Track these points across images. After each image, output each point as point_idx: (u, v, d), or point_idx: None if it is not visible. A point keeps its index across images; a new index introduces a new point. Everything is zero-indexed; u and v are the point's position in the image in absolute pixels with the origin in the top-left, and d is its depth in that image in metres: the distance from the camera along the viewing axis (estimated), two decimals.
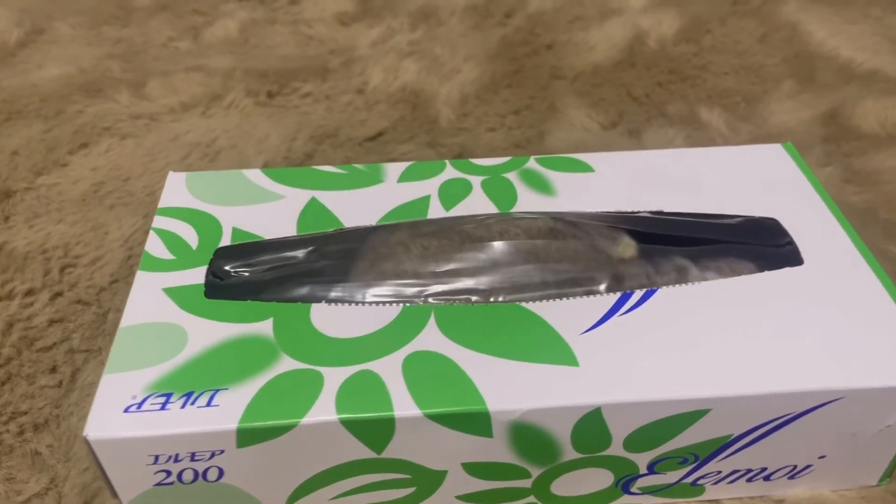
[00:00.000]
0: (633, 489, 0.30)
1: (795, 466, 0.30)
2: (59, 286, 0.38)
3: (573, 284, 0.30)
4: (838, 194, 0.44)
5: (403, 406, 0.26)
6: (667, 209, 0.34)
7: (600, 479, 0.29)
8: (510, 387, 0.27)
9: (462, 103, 0.51)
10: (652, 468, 0.29)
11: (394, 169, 0.36)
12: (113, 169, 0.44)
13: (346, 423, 0.26)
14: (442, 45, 0.56)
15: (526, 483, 0.29)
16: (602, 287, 0.30)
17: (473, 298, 0.30)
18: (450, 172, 0.36)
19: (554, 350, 0.28)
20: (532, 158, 0.36)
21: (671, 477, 0.29)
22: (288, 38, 0.56)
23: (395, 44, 0.56)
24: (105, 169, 0.44)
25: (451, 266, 0.31)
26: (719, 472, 0.30)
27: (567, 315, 0.29)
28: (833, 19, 0.60)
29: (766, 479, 0.30)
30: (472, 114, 0.50)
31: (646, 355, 0.28)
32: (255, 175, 0.35)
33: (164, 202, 0.34)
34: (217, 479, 0.27)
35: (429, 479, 0.28)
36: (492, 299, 0.30)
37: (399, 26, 0.57)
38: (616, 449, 0.28)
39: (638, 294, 0.30)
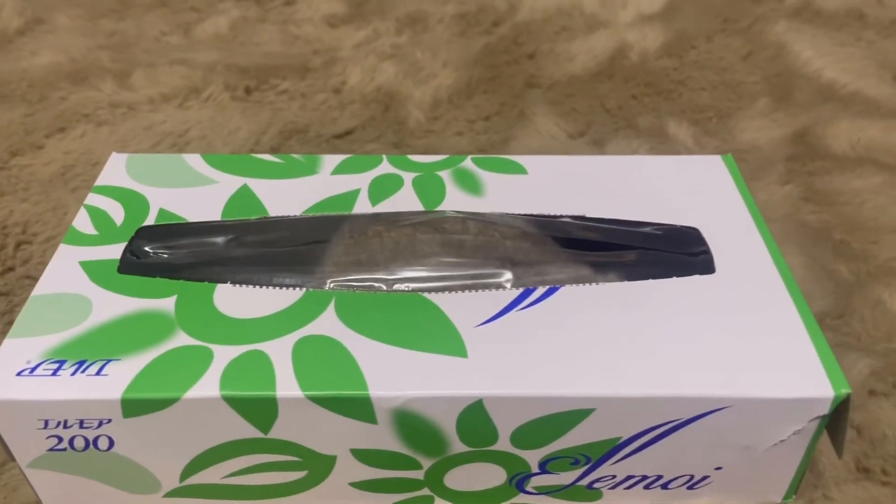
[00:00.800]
0: (528, 488, 0.30)
1: (693, 476, 0.29)
2: (12, 261, 0.38)
3: (477, 279, 0.30)
4: (794, 212, 0.43)
5: (286, 387, 0.26)
6: (591, 214, 0.34)
7: (493, 475, 0.29)
8: (396, 374, 0.27)
9: (434, 107, 0.51)
10: (544, 467, 0.29)
11: (330, 161, 0.36)
12: (84, 153, 0.45)
13: (229, 400, 0.26)
14: (424, 50, 0.56)
15: (418, 474, 0.29)
16: (505, 283, 0.30)
17: (376, 286, 0.30)
18: (384, 168, 0.36)
19: (445, 340, 0.28)
20: (468, 158, 0.36)
21: (565, 478, 0.29)
22: (275, 37, 0.57)
23: (377, 46, 0.56)
24: (77, 153, 0.45)
25: (361, 256, 0.31)
26: (614, 476, 0.29)
27: (466, 308, 0.29)
28: (823, 41, 0.59)
29: (664, 487, 0.30)
30: (443, 117, 0.50)
31: (536, 351, 0.27)
32: (194, 160, 0.35)
33: (100, 181, 0.34)
34: (108, 449, 0.27)
35: (319, 464, 0.28)
36: (395, 288, 0.30)
37: (385, 30, 0.58)
38: (504, 444, 0.28)
39: (540, 291, 0.30)
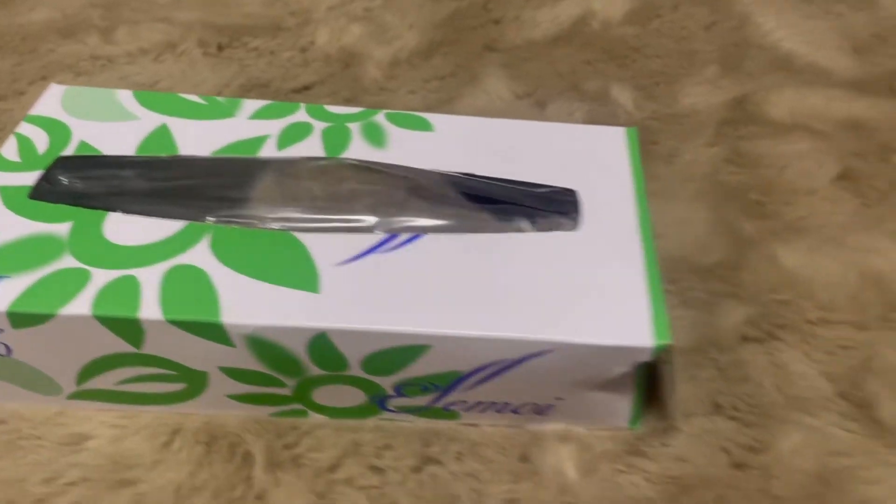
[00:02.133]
0: (390, 406, 0.31)
1: (538, 404, 0.30)
2: None
3: (347, 222, 0.31)
4: (714, 172, 0.44)
5: (149, 310, 0.28)
6: (481, 173, 0.35)
7: (354, 395, 0.31)
8: (249, 304, 0.28)
9: (392, 66, 0.52)
10: (399, 391, 0.30)
11: (251, 106, 0.37)
12: None
13: (99, 319, 0.28)
14: (394, 13, 0.57)
15: (286, 391, 0.31)
16: (373, 227, 0.31)
17: (252, 223, 0.31)
18: (299, 116, 0.37)
19: (302, 276, 0.29)
20: (382, 112, 0.38)
21: (420, 401, 0.31)
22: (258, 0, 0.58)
23: (351, 9, 0.57)
24: None
25: (245, 194, 0.33)
26: (465, 401, 0.30)
27: (331, 248, 0.30)
28: (789, 14, 0.58)
29: (515, 412, 0.31)
30: (400, 77, 0.51)
31: (383, 290, 0.29)
32: (125, 96, 0.37)
33: (33, 110, 0.36)
34: (7, 354, 0.29)
35: (194, 378, 0.30)
36: (268, 226, 0.31)
37: None
38: (356, 370, 0.29)
39: (403, 237, 0.31)
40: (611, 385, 0.29)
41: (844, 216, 0.41)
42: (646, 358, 0.28)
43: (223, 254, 0.30)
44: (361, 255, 0.30)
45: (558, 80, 0.51)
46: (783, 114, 0.48)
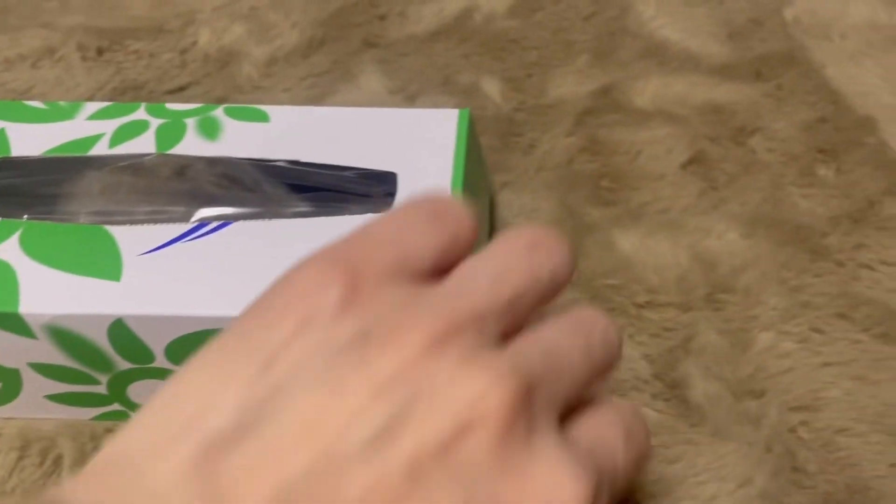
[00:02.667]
0: None
1: None
2: None
3: (161, 213, 0.32)
4: (568, 161, 0.44)
5: None
6: (310, 160, 0.35)
7: None
8: (48, 294, 0.28)
9: (269, 65, 0.52)
10: None
11: (91, 107, 0.38)
12: None
13: None
14: (278, 12, 0.57)
15: (101, 389, 0.31)
16: (185, 216, 0.32)
17: (66, 218, 0.32)
18: (138, 115, 0.37)
19: (105, 265, 0.29)
20: (221, 107, 0.38)
21: None
22: (146, 2, 0.58)
23: (236, 9, 0.57)
24: None
25: (64, 190, 0.33)
26: None
27: (140, 238, 0.31)
28: (671, 2, 0.58)
29: None
30: (275, 75, 0.51)
31: (185, 277, 0.29)
32: None
33: None
34: None
35: (7, 377, 0.30)
36: (81, 220, 0.31)
37: None
38: (162, 361, 0.29)
39: (212, 225, 0.31)
40: None
41: (688, 200, 0.41)
42: None
43: (31, 247, 0.30)
44: (167, 244, 0.30)
45: (433, 75, 0.51)
46: (646, 101, 0.48)
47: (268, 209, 0.32)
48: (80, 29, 0.55)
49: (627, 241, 0.39)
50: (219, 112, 0.37)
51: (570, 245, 0.23)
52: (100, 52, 0.53)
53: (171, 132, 0.36)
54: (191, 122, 0.37)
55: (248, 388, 0.18)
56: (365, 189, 0.33)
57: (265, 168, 0.34)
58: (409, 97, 0.49)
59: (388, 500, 0.17)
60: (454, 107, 0.48)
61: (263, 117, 0.37)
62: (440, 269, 0.21)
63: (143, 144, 0.35)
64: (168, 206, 0.32)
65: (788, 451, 0.31)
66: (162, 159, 0.34)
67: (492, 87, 0.50)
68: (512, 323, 0.20)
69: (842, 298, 0.36)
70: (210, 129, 0.36)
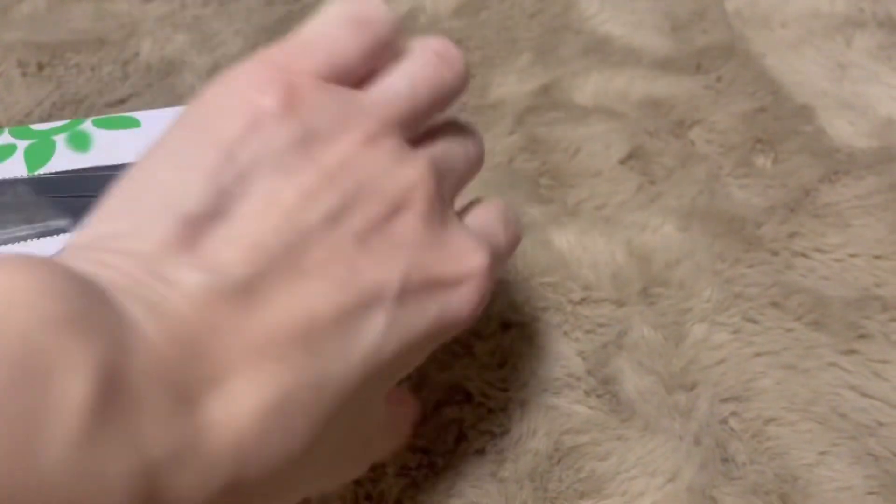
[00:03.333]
0: None
1: None
2: None
3: None
4: (508, 161, 0.44)
5: None
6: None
7: None
8: None
9: (210, 73, 0.52)
10: None
11: None
12: None
13: None
14: (221, 20, 0.56)
15: None
16: None
17: None
18: (3, 139, 0.37)
19: None
20: (89, 120, 0.38)
21: None
22: (88, 15, 0.57)
23: (180, 18, 0.57)
24: None
25: None
26: None
27: None
28: None
29: None
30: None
31: None
32: None
33: None
34: None
35: None
36: None
37: (192, 3, 0.58)
38: None
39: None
40: None
41: (625, 195, 0.41)
42: None
43: None
44: None
45: None
46: (586, 98, 0.48)
47: (34, 228, 0.32)
48: (20, 45, 0.54)
49: (564, 239, 0.39)
50: (87, 125, 0.37)
51: (465, 58, 0.26)
52: (40, 66, 0.53)
53: (41, 151, 0.36)
54: (60, 139, 0.36)
55: (214, 176, 0.20)
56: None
57: (42, 183, 0.34)
58: None
59: (343, 263, 0.20)
60: None
61: (135, 124, 0.37)
62: (366, 71, 0.24)
63: (13, 167, 0.35)
64: None
65: (718, 443, 0.31)
66: None
67: None
68: (422, 122, 0.25)
69: (775, 288, 0.36)
70: (81, 143, 0.36)
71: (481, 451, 0.31)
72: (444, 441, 0.31)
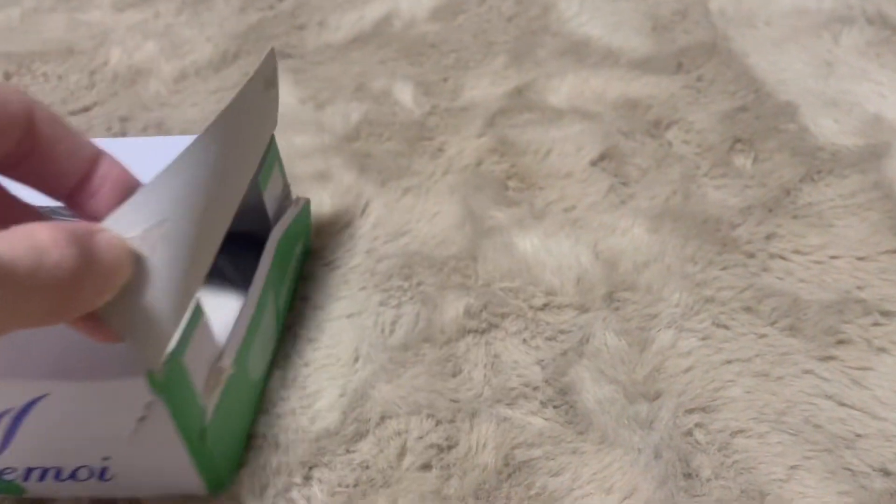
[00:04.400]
0: None
1: (90, 467, 0.27)
2: None
3: None
4: (476, 163, 0.42)
5: None
6: None
7: None
8: None
9: (179, 80, 0.50)
10: None
11: None
12: None
13: None
14: (193, 27, 0.55)
15: None
16: None
17: None
18: None
19: None
20: None
21: None
22: (60, 25, 0.56)
23: (151, 27, 0.55)
24: None
25: None
26: (12, 468, 0.27)
27: None
28: None
29: (73, 478, 0.28)
30: (186, 90, 0.49)
31: None
32: None
33: None
34: None
35: None
36: None
37: (166, 11, 0.57)
38: None
39: None
40: (154, 441, 0.26)
41: (595, 197, 0.39)
42: (148, 397, 0.24)
43: None
44: None
45: (346, 82, 0.49)
46: (561, 99, 0.46)
47: None
48: None
49: (528, 242, 0.36)
50: None
51: None
52: (7, 76, 0.51)
53: None
54: None
55: None
56: None
57: None
58: (318, 105, 0.47)
59: None
60: (364, 113, 0.47)
61: None
62: None
63: None
64: None
65: (681, 457, 0.28)
66: None
67: (404, 93, 0.47)
68: None
69: (749, 291, 0.34)
70: None
71: (426, 467, 0.29)
72: (385, 455, 0.29)
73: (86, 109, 0.48)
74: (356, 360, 0.32)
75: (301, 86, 0.49)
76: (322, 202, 0.40)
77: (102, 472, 0.27)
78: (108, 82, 0.50)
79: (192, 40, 0.54)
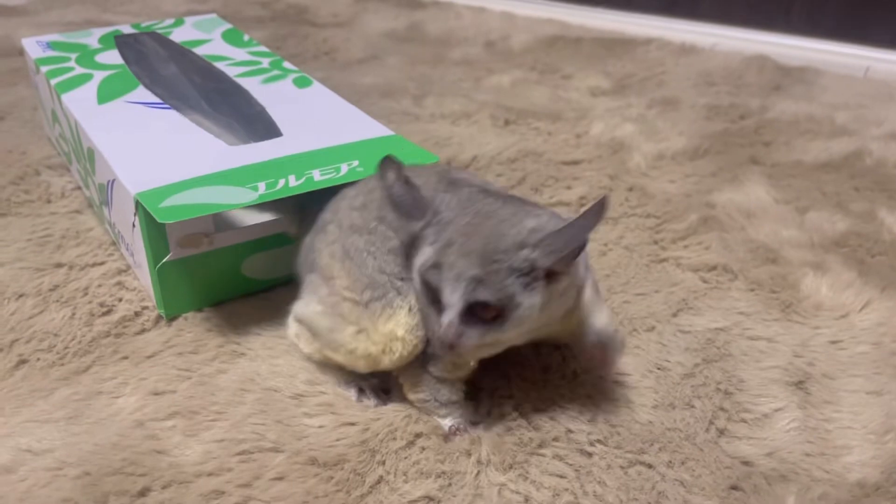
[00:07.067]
0: None
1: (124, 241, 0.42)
2: None
3: None
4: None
5: None
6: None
7: None
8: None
9: (657, 159, 0.53)
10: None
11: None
12: None
13: None
14: (666, 122, 0.58)
15: None
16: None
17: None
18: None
19: None
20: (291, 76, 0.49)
21: None
22: (545, 96, 0.63)
23: (626, 113, 0.60)
24: None
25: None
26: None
27: None
28: None
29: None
30: (662, 167, 0.52)
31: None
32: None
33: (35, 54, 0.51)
34: None
35: None
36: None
37: (637, 104, 0.61)
38: None
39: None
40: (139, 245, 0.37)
41: None
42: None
43: None
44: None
45: (822, 197, 0.49)
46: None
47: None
48: (491, 105, 0.60)
49: None
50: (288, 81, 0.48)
51: None
52: (507, 122, 0.58)
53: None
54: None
55: None
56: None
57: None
58: (799, 209, 0.47)
59: None
60: (848, 225, 0.46)
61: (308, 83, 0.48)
62: None
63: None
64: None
65: None
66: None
67: (890, 218, 0.47)
68: None
69: None
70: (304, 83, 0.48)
71: None
72: None
73: (575, 162, 0.52)
74: None
75: (777, 189, 0.50)
76: None
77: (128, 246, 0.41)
78: (593, 146, 0.55)
79: (665, 131, 0.57)
